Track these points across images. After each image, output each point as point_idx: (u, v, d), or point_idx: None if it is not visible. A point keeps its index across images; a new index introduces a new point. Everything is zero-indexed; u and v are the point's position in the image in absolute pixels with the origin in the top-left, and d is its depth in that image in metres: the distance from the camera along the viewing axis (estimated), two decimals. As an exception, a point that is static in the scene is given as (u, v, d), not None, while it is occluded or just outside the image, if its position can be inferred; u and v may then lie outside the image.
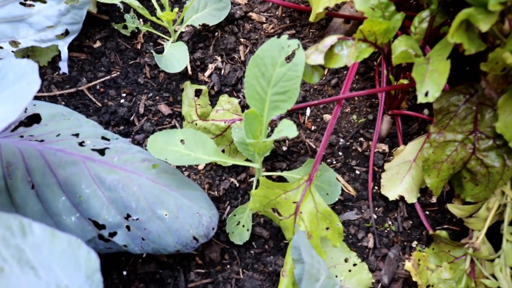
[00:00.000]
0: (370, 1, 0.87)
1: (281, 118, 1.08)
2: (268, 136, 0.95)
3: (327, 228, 0.86)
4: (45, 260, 0.58)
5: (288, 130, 0.74)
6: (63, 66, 0.97)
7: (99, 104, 1.09)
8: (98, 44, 1.17)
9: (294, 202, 0.86)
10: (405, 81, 0.98)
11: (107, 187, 0.81)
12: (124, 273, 0.93)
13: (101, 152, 0.87)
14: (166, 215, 0.81)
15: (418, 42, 0.87)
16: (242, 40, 1.19)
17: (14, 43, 0.97)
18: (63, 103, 1.08)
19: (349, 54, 0.80)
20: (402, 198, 1.01)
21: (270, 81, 0.82)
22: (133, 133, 1.07)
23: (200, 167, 1.04)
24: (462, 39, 0.69)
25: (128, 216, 0.80)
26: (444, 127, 0.90)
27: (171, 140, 0.87)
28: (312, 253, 0.75)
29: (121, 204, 0.80)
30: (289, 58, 0.82)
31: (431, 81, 0.72)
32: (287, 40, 0.81)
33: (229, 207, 1.00)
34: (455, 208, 0.93)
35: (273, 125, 1.08)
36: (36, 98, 1.06)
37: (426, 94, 0.71)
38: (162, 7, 1.18)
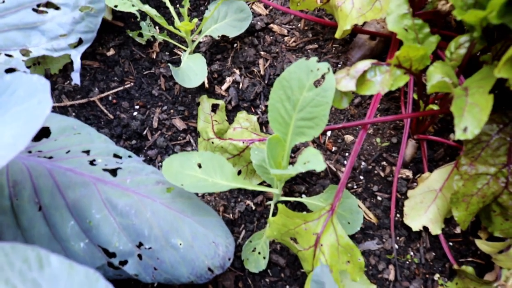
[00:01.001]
0: (404, 22, 0.82)
1: (305, 145, 1.04)
2: (290, 163, 0.90)
3: (348, 261, 0.81)
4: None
5: (315, 162, 0.69)
6: (75, 77, 0.92)
7: (111, 116, 1.05)
8: (112, 52, 1.12)
9: (314, 234, 0.82)
10: (435, 107, 0.92)
11: (119, 213, 0.76)
12: (133, 298, 0.88)
13: (113, 172, 0.82)
14: (180, 244, 0.76)
15: (453, 69, 0.82)
16: (262, 53, 1.14)
17: (25, 51, 0.92)
18: (73, 114, 1.03)
19: (383, 81, 0.75)
20: (425, 227, 0.96)
21: (296, 105, 0.78)
22: (145, 148, 1.03)
23: (215, 187, 0.99)
24: (510, 74, 0.64)
25: (140, 245, 0.76)
26: (476, 158, 0.85)
27: (187, 163, 0.82)
28: None
29: (133, 232, 0.76)
30: (318, 82, 0.77)
31: (471, 116, 0.67)
32: (316, 62, 0.76)
33: (244, 231, 0.96)
34: (483, 245, 0.88)
35: (293, 148, 1.04)
36: (46, 108, 1.01)
37: (465, 130, 0.66)
38: (179, 16, 1.13)
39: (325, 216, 0.83)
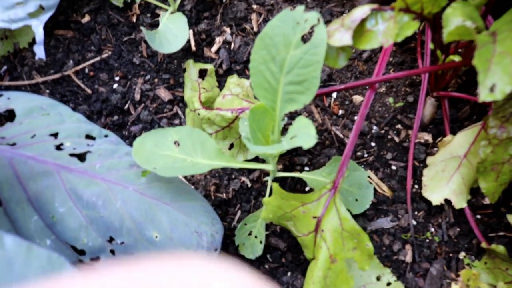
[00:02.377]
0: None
1: (296, 113, 0.90)
2: (283, 134, 0.78)
3: (354, 248, 0.69)
4: (16, 280, 0.47)
5: (303, 137, 0.57)
6: (39, 51, 0.82)
7: (89, 91, 0.94)
8: (87, 18, 1.00)
9: (314, 217, 0.70)
10: (456, 58, 0.77)
11: (85, 204, 0.67)
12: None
13: (81, 157, 0.72)
14: (156, 237, 0.67)
15: (478, 9, 0.66)
16: (254, 7, 0.99)
17: (-20, 24, 0.82)
18: (47, 91, 0.93)
19: (386, 30, 0.61)
20: (447, 200, 0.83)
21: (283, 66, 0.64)
22: (128, 124, 0.92)
23: (206, 164, 0.89)
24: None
25: (111, 239, 0.67)
26: (507, 118, 0.70)
27: (162, 142, 0.71)
28: None
29: (102, 225, 0.67)
30: (306, 37, 0.63)
31: (500, 70, 0.52)
32: (303, 13, 0.62)
33: (239, 211, 0.85)
34: (518, 220, 0.75)
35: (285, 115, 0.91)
36: (14, 88, 0.91)
37: (492, 89, 0.52)
38: (158, -30, 0.99)
39: (326, 196, 0.71)
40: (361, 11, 0.60)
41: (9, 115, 0.80)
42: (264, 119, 0.67)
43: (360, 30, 0.62)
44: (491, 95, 0.52)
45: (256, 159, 0.87)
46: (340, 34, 0.61)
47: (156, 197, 0.70)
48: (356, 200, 0.79)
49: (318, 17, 0.61)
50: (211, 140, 0.72)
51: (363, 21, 0.61)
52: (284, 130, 0.86)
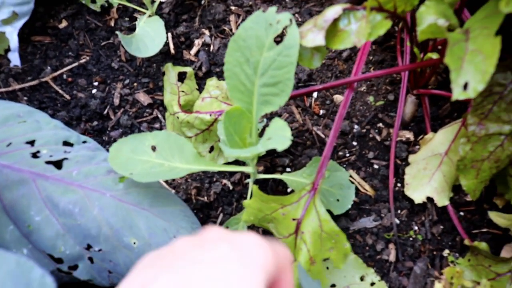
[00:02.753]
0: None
1: (277, 114, 0.90)
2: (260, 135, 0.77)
3: (331, 248, 0.69)
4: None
5: (277, 139, 0.56)
6: (14, 58, 0.80)
7: (68, 97, 0.93)
8: (64, 23, 0.99)
9: (294, 219, 0.70)
10: (434, 55, 0.77)
11: (61, 212, 0.66)
12: (101, 299, 0.80)
13: (58, 164, 0.71)
14: (134, 243, 0.66)
15: (452, 6, 0.65)
16: (233, 8, 0.99)
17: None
18: (25, 98, 0.92)
19: (359, 30, 0.60)
20: (430, 198, 0.83)
21: (257, 68, 0.63)
22: (108, 129, 0.91)
23: (187, 168, 0.88)
24: (519, 8, 0.49)
25: (89, 247, 0.66)
26: (486, 114, 0.70)
27: (140, 147, 0.70)
28: None
29: (80, 233, 0.66)
30: (280, 38, 0.63)
31: (472, 68, 0.52)
32: (275, 14, 0.61)
33: (222, 214, 0.85)
34: (498, 217, 0.75)
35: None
36: (-10, 95, 0.90)
37: (465, 87, 0.52)
38: (135, -27, 0.99)
39: (306, 197, 0.70)
40: (333, 11, 0.60)
41: (-16, 124, 0.78)
42: (240, 121, 0.66)
43: (333, 30, 0.61)
44: (464, 93, 0.52)
45: (237, 162, 0.86)
46: (313, 34, 0.60)
47: (134, 203, 0.69)
48: (338, 200, 0.79)
49: (290, 18, 0.60)
50: (189, 144, 0.72)
51: (336, 21, 0.61)
52: (263, 132, 0.86)
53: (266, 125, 0.88)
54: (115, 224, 0.66)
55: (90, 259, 0.67)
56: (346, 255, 0.67)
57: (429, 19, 0.59)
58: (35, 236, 0.66)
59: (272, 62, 0.61)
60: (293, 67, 0.60)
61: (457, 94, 0.52)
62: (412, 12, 0.70)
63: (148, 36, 0.87)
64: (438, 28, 0.57)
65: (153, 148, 0.70)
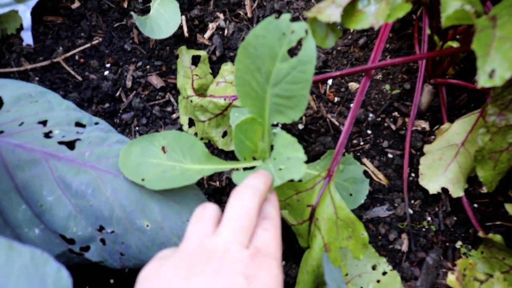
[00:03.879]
0: None
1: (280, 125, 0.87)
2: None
3: (349, 237, 0.68)
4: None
5: (292, 166, 0.53)
6: (27, 37, 0.79)
7: (79, 78, 0.92)
8: (77, 4, 0.98)
9: (308, 206, 0.69)
10: (455, 44, 0.75)
11: (74, 193, 0.65)
12: (112, 281, 0.79)
13: (71, 145, 0.70)
14: (147, 226, 0.65)
15: (477, -7, 0.64)
16: (248, -8, 0.97)
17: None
18: (36, 79, 0.91)
19: (378, 11, 0.59)
20: (444, 189, 0.81)
21: (269, 78, 0.59)
22: (120, 112, 0.91)
23: (199, 152, 0.87)
24: (553, -7, 0.47)
25: (101, 228, 0.65)
26: (506, 105, 0.69)
27: (150, 149, 0.67)
28: (340, 284, 0.59)
29: (92, 214, 0.65)
30: (294, 49, 0.59)
31: (500, 55, 0.50)
32: (289, 22, 0.55)
33: (233, 200, 0.84)
34: (515, 209, 0.74)
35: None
36: (2, 75, 0.89)
37: (491, 75, 0.50)
38: (150, -46, 0.97)
39: (321, 184, 0.69)
40: (355, -8, 0.58)
41: (-3, 103, 0.78)
42: (252, 127, 0.63)
43: (351, 9, 0.60)
44: (490, 80, 0.50)
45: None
46: (330, 10, 0.59)
47: (147, 186, 0.68)
48: (351, 195, 0.78)
49: (306, 29, 0.55)
50: (199, 143, 0.70)
51: (356, 1, 0.59)
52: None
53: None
54: (128, 206, 0.66)
55: (102, 240, 0.66)
56: (365, 245, 0.66)
57: (455, 4, 0.57)
58: (47, 216, 0.65)
59: (286, 76, 0.57)
60: (309, 84, 0.56)
61: (483, 81, 0.50)
62: (434, -2, 0.68)
63: (163, 18, 0.86)
64: (465, 13, 0.55)
65: (163, 149, 0.69)
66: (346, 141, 0.71)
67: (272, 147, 0.65)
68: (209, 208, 0.49)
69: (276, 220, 0.50)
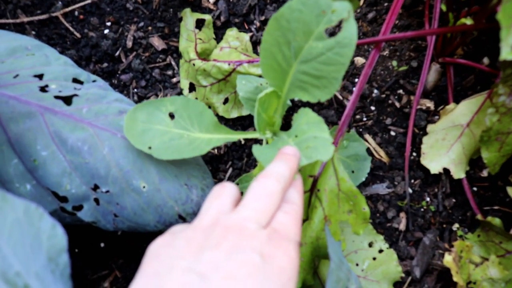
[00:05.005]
0: None
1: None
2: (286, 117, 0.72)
3: (350, 211, 0.67)
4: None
5: (319, 146, 0.51)
6: (25, -16, 0.76)
7: (78, 35, 0.88)
8: (78, -44, 0.94)
9: (310, 176, 0.67)
10: (468, 21, 0.73)
11: (69, 149, 0.63)
12: (102, 245, 0.78)
13: (68, 100, 0.68)
14: (144, 187, 0.63)
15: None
16: (257, -43, 0.94)
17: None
18: (33, 32, 0.88)
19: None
20: (445, 169, 0.81)
21: (299, 54, 0.56)
22: (118, 72, 0.88)
23: (198, 119, 0.84)
24: None
25: (96, 187, 0.63)
26: (517, 86, 0.68)
27: (156, 114, 0.65)
28: (341, 258, 0.57)
29: (87, 172, 0.63)
30: (332, 30, 0.56)
31: (522, 27, 0.49)
32: (331, 1, 0.52)
33: (231, 169, 0.82)
34: (517, 192, 0.73)
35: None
36: (-3, 25, 0.85)
37: (513, 46, 0.49)
38: None
39: (324, 155, 0.68)
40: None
41: (-9, 53, 0.74)
42: (270, 100, 0.61)
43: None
44: None
45: (251, 117, 0.83)
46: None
47: (145, 146, 0.66)
48: (353, 172, 0.76)
49: (349, 10, 0.52)
50: (208, 111, 0.67)
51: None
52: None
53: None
54: (125, 165, 0.63)
55: (96, 200, 0.64)
56: (365, 220, 0.65)
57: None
58: (40, 171, 0.63)
59: (319, 55, 0.54)
60: (344, 68, 0.54)
61: (505, 53, 0.49)
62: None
63: (168, -24, 0.82)
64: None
65: (171, 115, 0.66)
66: (352, 112, 0.69)
67: (286, 123, 0.63)
68: (229, 187, 0.47)
69: (299, 205, 0.48)
